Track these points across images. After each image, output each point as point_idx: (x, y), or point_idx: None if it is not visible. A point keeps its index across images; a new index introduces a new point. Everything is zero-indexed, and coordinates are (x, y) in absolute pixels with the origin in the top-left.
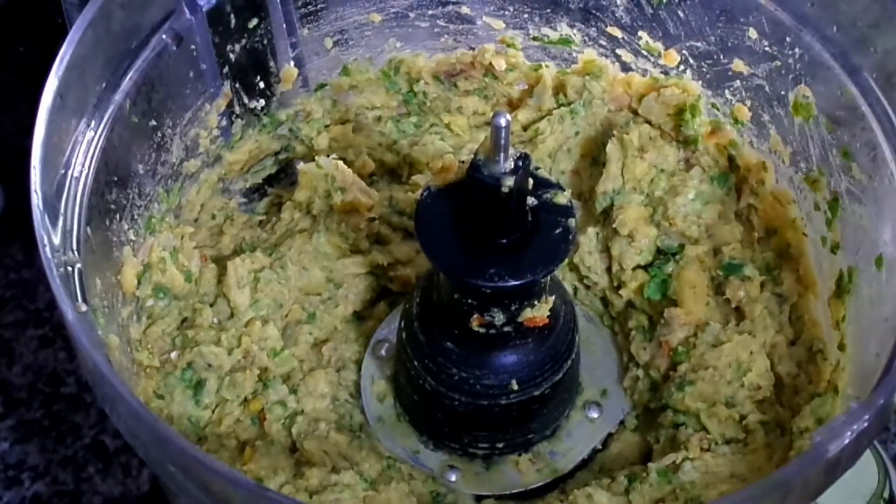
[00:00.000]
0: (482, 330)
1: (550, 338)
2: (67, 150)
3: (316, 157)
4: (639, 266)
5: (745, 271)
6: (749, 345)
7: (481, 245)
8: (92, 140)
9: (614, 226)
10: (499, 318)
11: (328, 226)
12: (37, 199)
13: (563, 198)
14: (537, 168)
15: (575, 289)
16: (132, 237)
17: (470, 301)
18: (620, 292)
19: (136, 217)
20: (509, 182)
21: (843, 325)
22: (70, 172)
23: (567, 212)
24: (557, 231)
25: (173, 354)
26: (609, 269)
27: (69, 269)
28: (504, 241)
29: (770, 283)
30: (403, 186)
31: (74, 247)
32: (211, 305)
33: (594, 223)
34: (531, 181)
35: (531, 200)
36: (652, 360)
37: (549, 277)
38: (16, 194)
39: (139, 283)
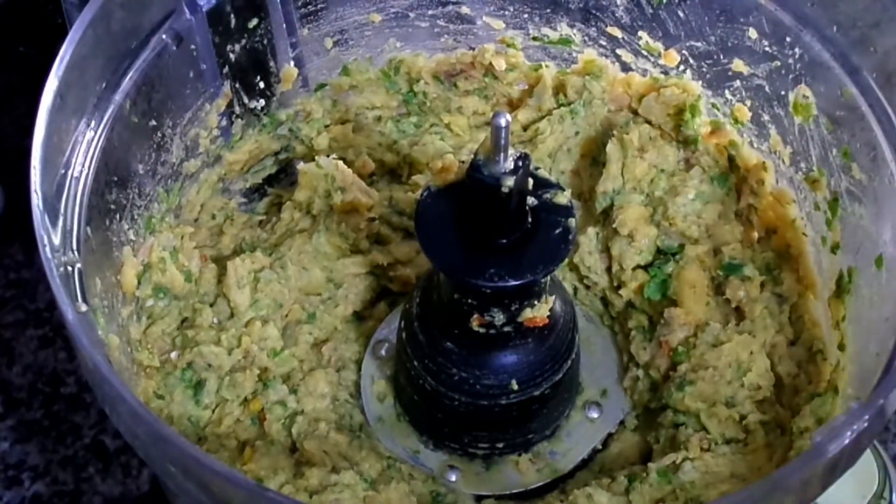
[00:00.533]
0: (482, 330)
1: (550, 338)
2: (67, 150)
3: (316, 157)
4: (639, 266)
5: (745, 271)
6: (749, 345)
7: (481, 245)
8: (92, 140)
9: (614, 226)
10: (499, 318)
11: (328, 226)
12: (37, 199)
13: (563, 198)
14: (537, 168)
15: (575, 289)
16: (132, 237)
17: (470, 301)
18: (620, 292)
19: (136, 217)
20: (509, 182)
21: (843, 325)
22: (70, 172)
23: (567, 212)
24: (557, 231)
25: (173, 354)
26: (609, 269)
27: (69, 269)
28: (504, 241)
29: (770, 283)
30: (403, 186)
31: (74, 247)
32: (211, 305)
33: (594, 223)
34: (531, 181)
35: (531, 200)
36: (652, 360)
37: (549, 277)
38: (16, 194)
39: (139, 283)
